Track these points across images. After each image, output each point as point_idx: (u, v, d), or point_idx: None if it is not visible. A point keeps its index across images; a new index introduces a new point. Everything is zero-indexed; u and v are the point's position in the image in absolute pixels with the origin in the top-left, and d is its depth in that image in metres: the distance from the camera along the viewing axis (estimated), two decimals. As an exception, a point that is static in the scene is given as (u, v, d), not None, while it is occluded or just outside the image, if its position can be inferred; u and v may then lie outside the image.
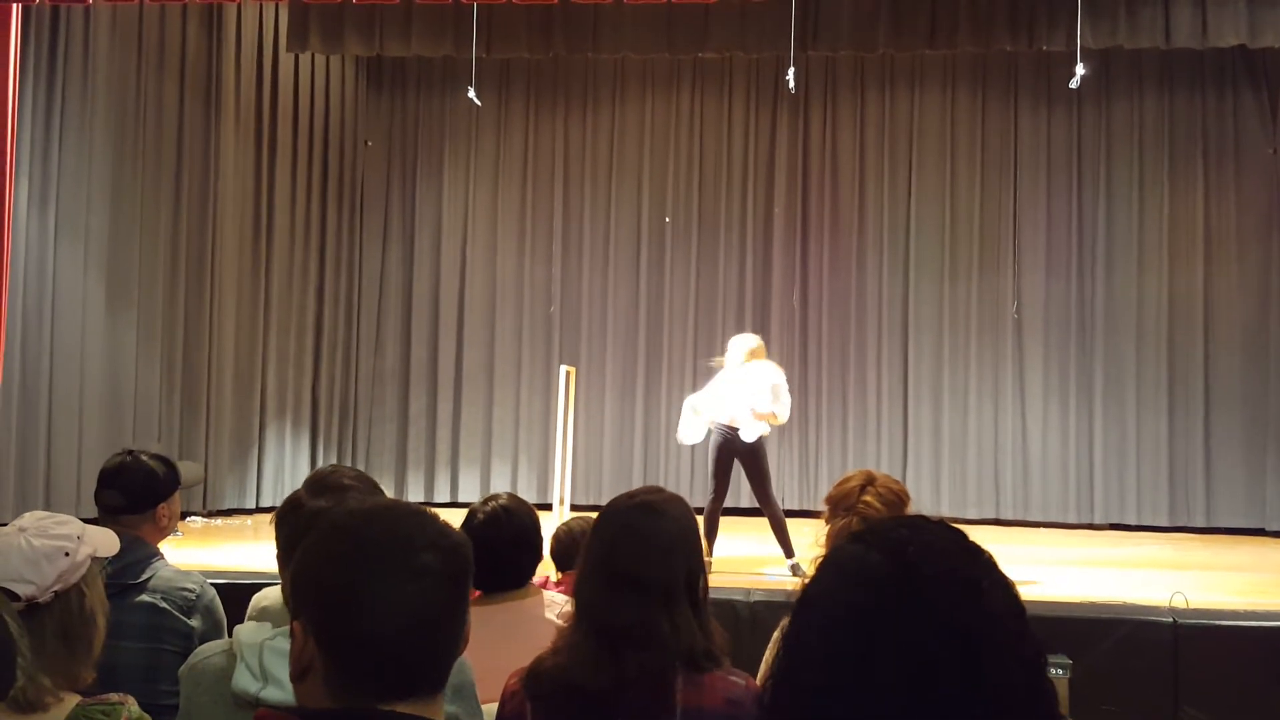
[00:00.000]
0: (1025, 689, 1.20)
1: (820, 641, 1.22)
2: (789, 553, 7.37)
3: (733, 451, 7.59)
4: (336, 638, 1.43)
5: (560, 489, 8.94)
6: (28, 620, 2.17)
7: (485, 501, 3.32)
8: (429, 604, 1.44)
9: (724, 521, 9.69)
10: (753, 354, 7.68)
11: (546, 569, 4.04)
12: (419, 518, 1.52)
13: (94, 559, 2.35)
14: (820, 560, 1.33)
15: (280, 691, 2.08)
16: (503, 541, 3.17)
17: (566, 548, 4.30)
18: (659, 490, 2.56)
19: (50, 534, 2.27)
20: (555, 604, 3.00)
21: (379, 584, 1.43)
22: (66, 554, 2.26)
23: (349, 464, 9.12)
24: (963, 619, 1.18)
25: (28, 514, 2.37)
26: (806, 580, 1.32)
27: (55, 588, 2.23)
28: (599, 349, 11.55)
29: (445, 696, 1.53)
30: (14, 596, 2.18)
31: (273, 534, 2.42)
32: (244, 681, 2.16)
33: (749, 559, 7.82)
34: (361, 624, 1.42)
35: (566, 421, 9.07)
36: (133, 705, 2.23)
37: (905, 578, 1.20)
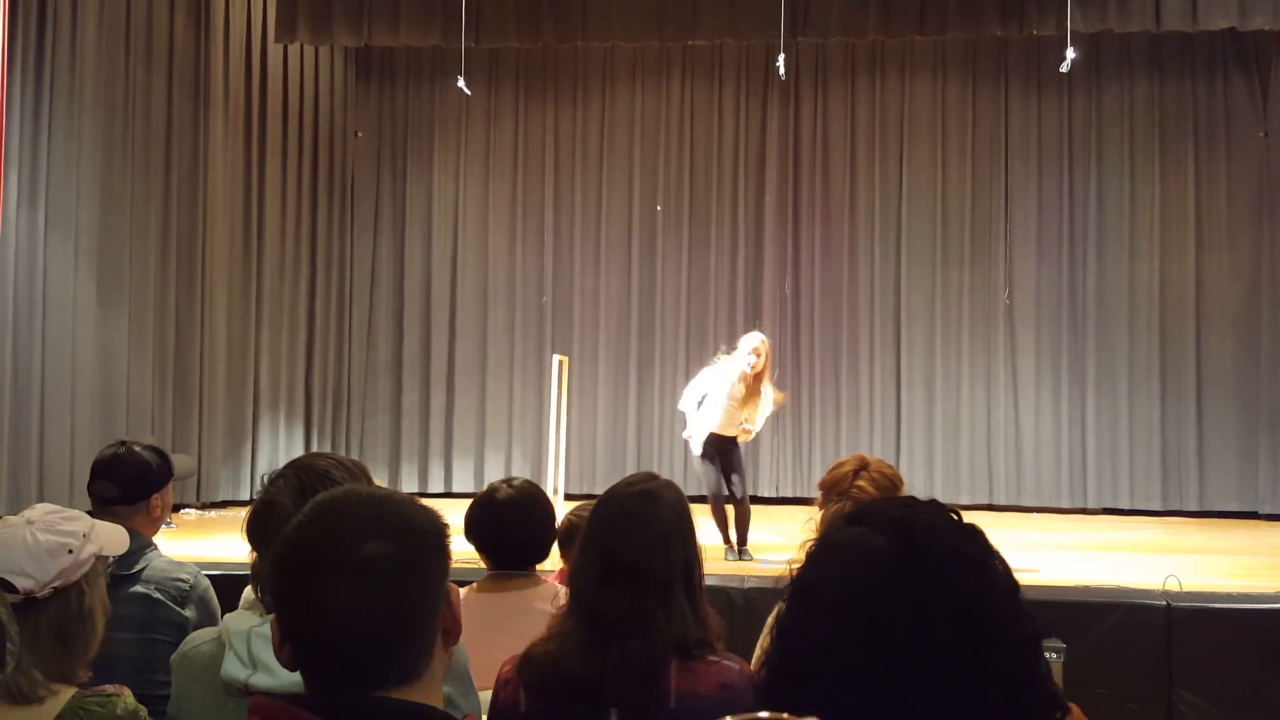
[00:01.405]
0: (1026, 665, 1.20)
1: (825, 626, 1.21)
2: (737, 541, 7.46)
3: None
4: (294, 637, 1.44)
5: (554, 478, 8.94)
6: (24, 615, 2.16)
7: (508, 481, 3.34)
8: (374, 598, 1.42)
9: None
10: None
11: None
12: (372, 507, 1.50)
13: (98, 558, 2.33)
14: (814, 545, 1.32)
15: (269, 678, 2.08)
16: (524, 525, 3.20)
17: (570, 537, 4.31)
18: (654, 476, 2.56)
19: (56, 529, 2.26)
20: (560, 595, 3.00)
21: (318, 585, 1.42)
22: (70, 551, 2.25)
23: (341, 457, 9.10)
24: (970, 598, 1.18)
25: (39, 506, 2.35)
26: (798, 565, 1.31)
27: (55, 584, 2.21)
28: (591, 338, 11.54)
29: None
30: (12, 589, 2.17)
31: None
32: (233, 668, 2.16)
33: (743, 546, 7.81)
34: (307, 624, 1.43)
35: (560, 411, 9.06)
36: (128, 697, 2.23)
37: (912, 559, 1.20)
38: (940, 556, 1.20)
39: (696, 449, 7.69)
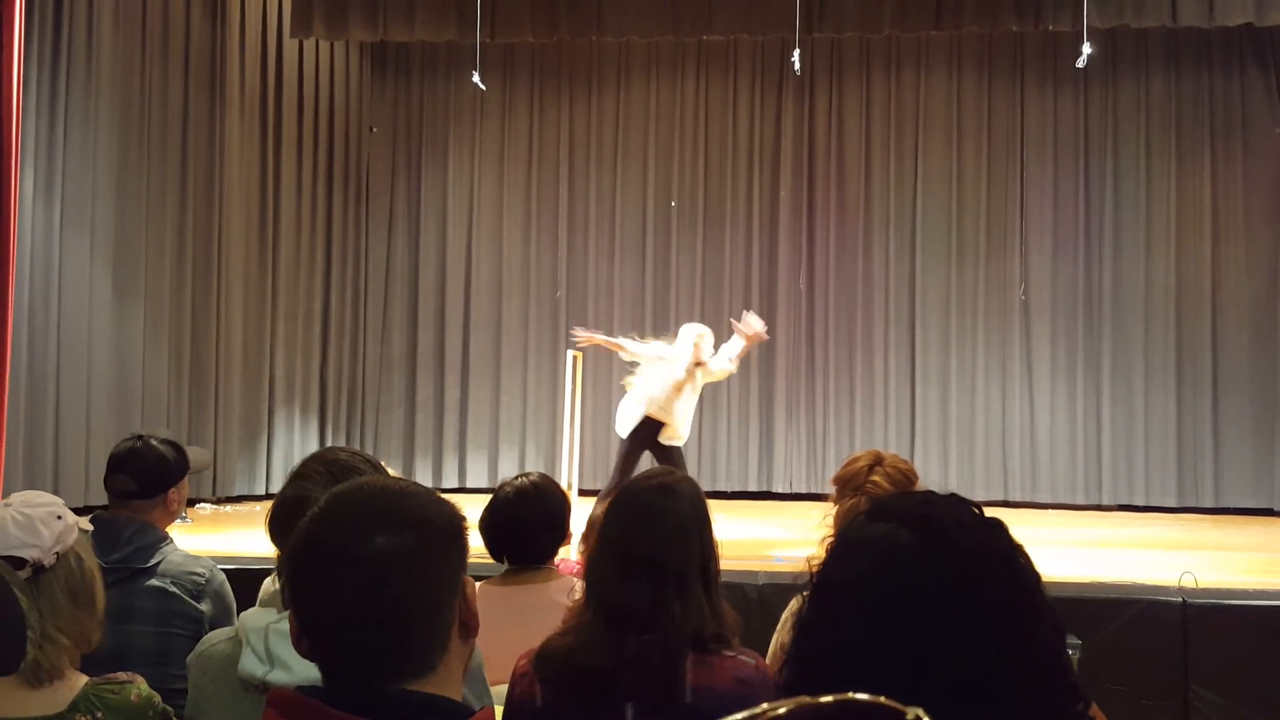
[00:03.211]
0: (1051, 659, 1.20)
1: (853, 621, 1.21)
2: None
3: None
4: (308, 629, 1.46)
5: (569, 473, 8.94)
6: (36, 584, 2.24)
7: (515, 477, 3.35)
8: (382, 591, 1.42)
9: (732, 505, 9.72)
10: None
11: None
12: (384, 500, 1.50)
13: (80, 529, 2.42)
14: (835, 541, 1.32)
15: (286, 674, 2.08)
16: (532, 519, 3.20)
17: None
18: (671, 471, 2.58)
19: (35, 504, 2.36)
20: (576, 588, 3.01)
21: (328, 578, 1.43)
22: (59, 517, 2.34)
23: (358, 450, 9.10)
24: (998, 592, 1.18)
25: (13, 496, 2.44)
26: (819, 561, 1.31)
27: (56, 549, 2.29)
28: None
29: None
30: (21, 564, 2.23)
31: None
32: (250, 665, 2.16)
33: (757, 542, 7.82)
34: (319, 617, 1.44)
35: (573, 406, 9.07)
36: (142, 684, 2.26)
37: (940, 554, 1.20)
38: (967, 551, 1.20)
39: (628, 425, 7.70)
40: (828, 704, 0.95)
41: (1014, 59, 11.19)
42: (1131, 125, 11.03)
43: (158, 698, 2.28)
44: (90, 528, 2.53)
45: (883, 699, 0.95)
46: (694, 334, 7.74)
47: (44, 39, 8.12)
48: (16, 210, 7.48)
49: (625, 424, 7.75)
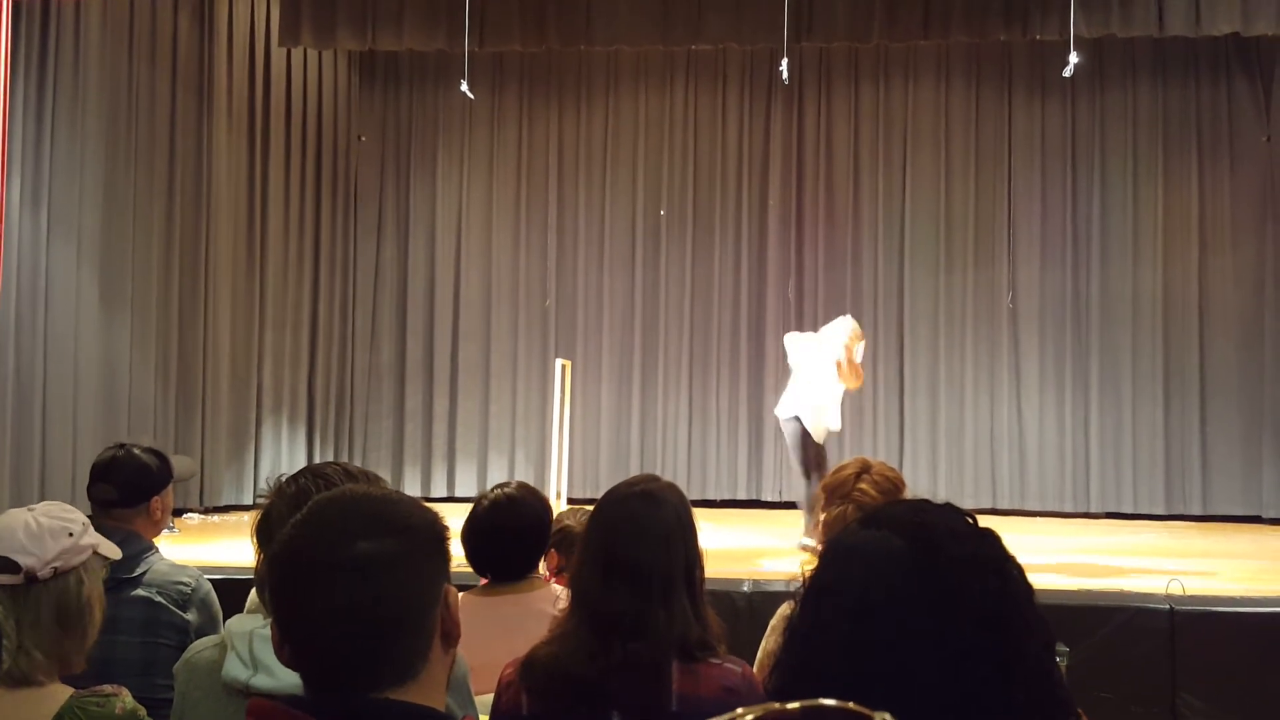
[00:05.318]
0: (1043, 670, 1.20)
1: (845, 629, 1.21)
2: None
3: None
4: (289, 636, 1.45)
5: (557, 482, 8.94)
6: (25, 595, 2.23)
7: (494, 488, 3.32)
8: (365, 596, 1.41)
9: (721, 513, 9.71)
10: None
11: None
12: (367, 506, 1.49)
13: (97, 554, 2.39)
14: (827, 547, 1.32)
15: (270, 679, 2.08)
16: (506, 530, 3.17)
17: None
18: (655, 478, 2.55)
19: (55, 515, 2.34)
20: (562, 598, 2.98)
21: (309, 583, 1.43)
22: (70, 534, 2.32)
23: (345, 459, 9.08)
24: (990, 603, 1.18)
25: (43, 504, 2.42)
26: (811, 568, 1.31)
27: (55, 564, 2.27)
28: (595, 342, 11.53)
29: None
30: (15, 567, 2.22)
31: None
32: (234, 669, 2.16)
33: (746, 550, 7.82)
34: (300, 623, 1.43)
35: (563, 415, 9.07)
36: (127, 697, 2.24)
37: (933, 563, 1.20)
38: (960, 561, 1.20)
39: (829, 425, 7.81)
40: (795, 710, 0.94)
41: (1002, 68, 11.23)
42: (1119, 134, 11.06)
43: (142, 711, 2.27)
44: (110, 557, 2.47)
45: (850, 704, 0.94)
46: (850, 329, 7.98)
47: (31, 47, 8.10)
48: (3, 218, 7.46)
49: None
